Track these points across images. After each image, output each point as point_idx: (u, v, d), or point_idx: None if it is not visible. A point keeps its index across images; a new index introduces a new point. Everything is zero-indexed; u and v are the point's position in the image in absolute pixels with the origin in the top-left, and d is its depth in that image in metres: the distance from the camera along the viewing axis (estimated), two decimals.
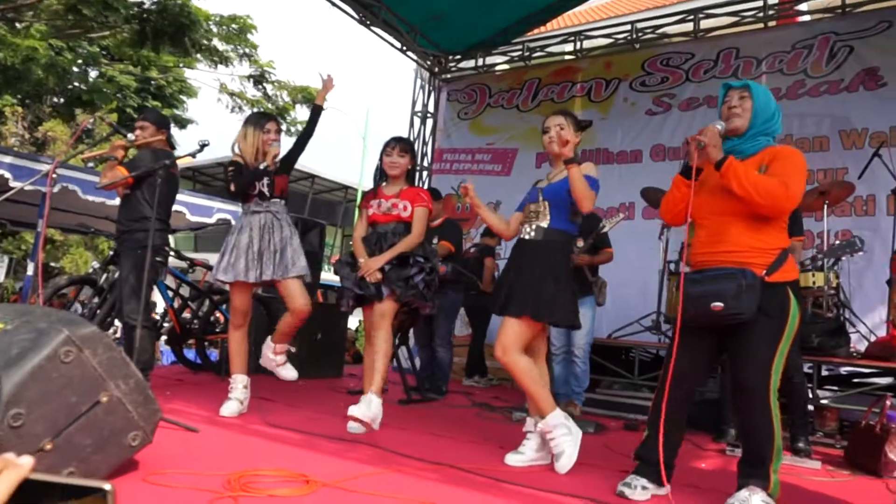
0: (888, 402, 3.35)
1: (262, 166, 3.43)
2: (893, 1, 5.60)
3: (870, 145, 5.25)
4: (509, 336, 2.71)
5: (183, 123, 16.89)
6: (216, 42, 11.80)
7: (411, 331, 4.84)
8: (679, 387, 2.31)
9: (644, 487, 2.32)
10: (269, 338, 3.61)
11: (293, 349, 3.71)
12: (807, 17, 6.43)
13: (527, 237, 2.85)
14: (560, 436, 2.68)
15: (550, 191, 2.84)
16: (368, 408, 3.04)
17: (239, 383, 3.43)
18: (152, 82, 15.06)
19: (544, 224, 2.81)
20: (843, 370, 4.48)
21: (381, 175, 3.51)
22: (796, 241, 3.54)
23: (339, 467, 2.41)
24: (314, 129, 3.74)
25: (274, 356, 3.58)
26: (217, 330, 5.18)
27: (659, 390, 2.39)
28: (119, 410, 2.02)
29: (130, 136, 3.71)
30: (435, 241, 4.65)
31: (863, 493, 2.74)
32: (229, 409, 3.32)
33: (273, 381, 3.55)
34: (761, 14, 6.21)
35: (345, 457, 2.62)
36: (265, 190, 3.51)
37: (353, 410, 3.00)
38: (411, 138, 7.59)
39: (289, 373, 3.62)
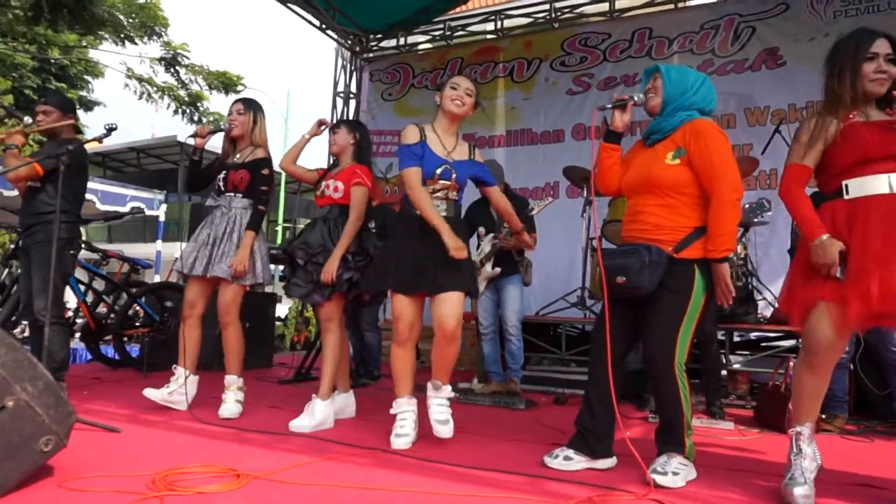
0: (791, 363, 3.61)
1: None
2: None
3: (771, 122, 5.59)
4: (457, 308, 2.71)
5: (89, 105, 15.99)
6: (121, 17, 11.13)
7: None
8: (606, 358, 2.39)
9: (567, 458, 2.39)
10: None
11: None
12: None
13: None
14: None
15: (463, 174, 2.86)
16: (312, 417, 2.99)
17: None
18: (53, 61, 14.07)
19: (452, 202, 2.85)
20: (753, 335, 4.79)
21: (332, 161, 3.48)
22: None
23: (271, 459, 2.37)
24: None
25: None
26: (137, 324, 4.96)
27: (591, 363, 2.49)
28: (28, 415, 1.91)
29: (27, 119, 3.44)
30: (371, 225, 4.53)
31: (769, 448, 2.94)
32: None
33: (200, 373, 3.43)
34: None
35: (276, 448, 2.58)
36: (220, 184, 3.40)
37: (293, 426, 2.95)
38: (334, 119, 7.44)
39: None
